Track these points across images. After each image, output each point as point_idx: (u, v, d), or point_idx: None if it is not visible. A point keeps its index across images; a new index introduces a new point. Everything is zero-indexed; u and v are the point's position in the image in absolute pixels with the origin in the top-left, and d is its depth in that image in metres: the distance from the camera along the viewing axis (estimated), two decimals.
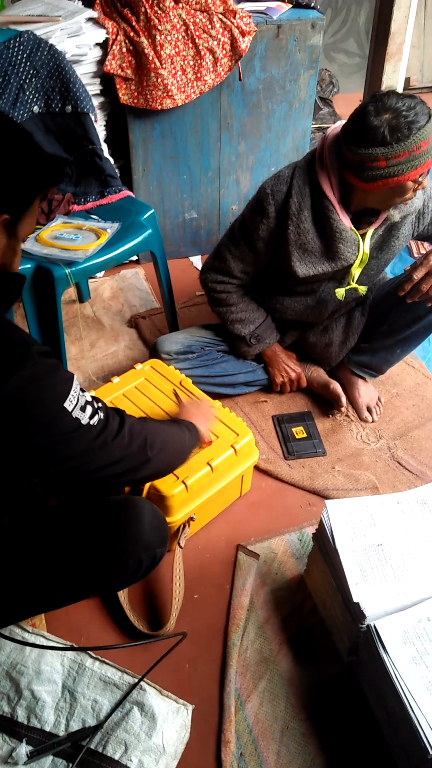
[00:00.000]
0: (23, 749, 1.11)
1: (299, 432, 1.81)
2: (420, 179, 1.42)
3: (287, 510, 1.62)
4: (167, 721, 1.16)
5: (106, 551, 1.13)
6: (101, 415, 0.99)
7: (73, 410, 0.93)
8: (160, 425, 1.21)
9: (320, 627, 1.35)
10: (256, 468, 1.70)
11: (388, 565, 1.18)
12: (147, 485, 1.42)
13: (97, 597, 1.42)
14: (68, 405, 0.92)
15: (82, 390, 0.97)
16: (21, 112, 1.81)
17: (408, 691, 1.02)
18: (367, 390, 1.91)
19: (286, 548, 1.51)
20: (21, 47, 1.78)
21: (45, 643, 1.24)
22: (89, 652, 1.24)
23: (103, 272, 2.46)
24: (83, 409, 0.95)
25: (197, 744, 1.19)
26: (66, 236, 1.70)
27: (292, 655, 1.31)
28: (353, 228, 1.55)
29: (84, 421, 0.95)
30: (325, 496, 1.64)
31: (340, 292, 1.65)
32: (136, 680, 1.20)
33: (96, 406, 0.99)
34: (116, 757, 1.11)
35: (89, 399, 0.98)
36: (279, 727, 1.21)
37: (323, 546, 1.28)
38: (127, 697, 1.18)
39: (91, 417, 0.97)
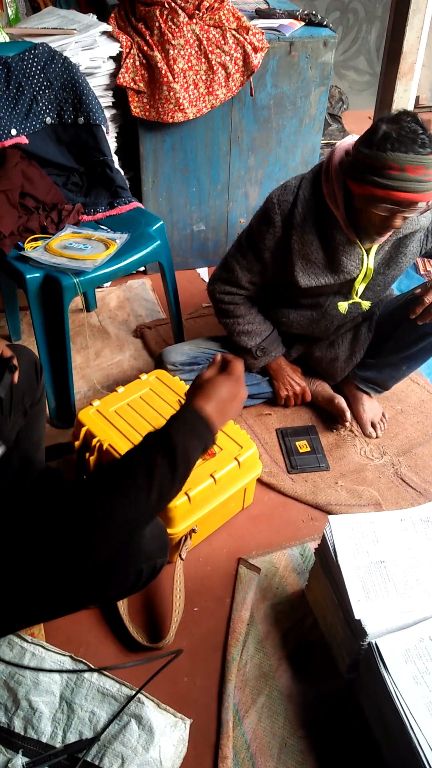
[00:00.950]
0: (19, 760, 1.11)
1: (303, 446, 1.81)
2: (407, 213, 1.39)
3: (289, 524, 1.62)
4: (165, 735, 1.15)
5: (106, 563, 1.12)
6: None
7: None
8: (123, 507, 0.86)
9: (320, 643, 1.34)
10: (259, 481, 1.69)
11: (391, 583, 1.17)
12: None
13: (97, 607, 1.42)
14: None
15: None
16: (34, 122, 1.83)
17: (408, 711, 1.01)
18: (371, 405, 1.90)
19: (287, 562, 1.50)
20: (36, 59, 1.80)
21: (43, 653, 1.23)
22: (87, 663, 1.23)
23: (110, 282, 2.47)
24: None
25: (194, 759, 1.18)
26: (75, 246, 1.71)
27: (292, 670, 1.30)
28: (357, 242, 1.55)
29: None
30: (327, 511, 1.64)
31: (343, 306, 1.66)
32: (134, 693, 1.19)
33: None
34: None
35: None
36: (277, 743, 1.20)
37: (325, 561, 1.27)
38: (124, 709, 1.17)
39: None
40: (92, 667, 1.22)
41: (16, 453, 1.25)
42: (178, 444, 0.89)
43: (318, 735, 1.21)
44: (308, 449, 1.80)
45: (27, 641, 1.24)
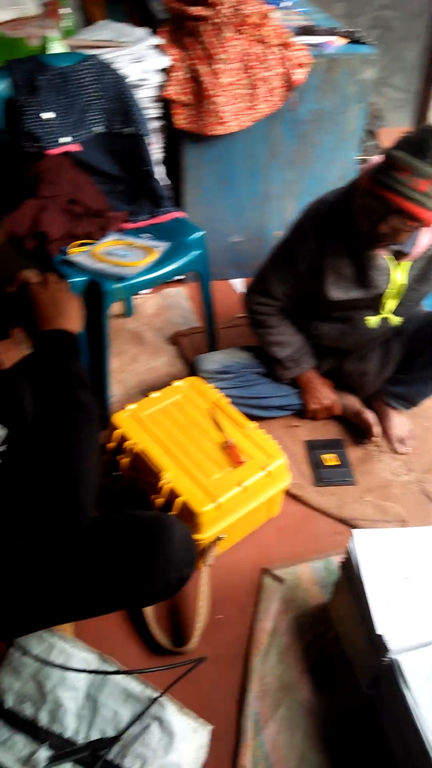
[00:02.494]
0: (43, 753, 1.13)
1: (330, 459, 1.82)
2: (394, 223, 1.41)
3: (315, 537, 1.63)
4: (185, 740, 1.16)
5: (134, 570, 1.14)
6: None
7: None
8: (88, 453, 0.93)
9: (342, 657, 1.34)
10: (286, 492, 1.71)
11: (414, 600, 1.18)
12: (178, 502, 1.44)
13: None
14: None
15: None
16: (84, 131, 1.89)
17: (429, 730, 1.01)
18: (400, 421, 1.91)
19: (311, 575, 1.51)
20: (88, 70, 1.85)
21: (71, 650, 1.26)
22: (114, 662, 1.26)
23: (148, 289, 2.52)
24: None
25: (212, 766, 1.19)
26: (118, 252, 1.75)
27: (313, 683, 1.31)
28: (389, 257, 1.57)
29: None
30: (353, 525, 1.64)
31: (373, 321, 1.67)
32: (157, 695, 1.21)
33: None
34: None
35: None
36: (295, 756, 1.20)
37: (349, 576, 1.28)
38: (147, 711, 1.19)
39: None
40: (118, 669, 1.25)
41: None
42: (74, 370, 0.97)
43: (337, 749, 1.22)
44: (335, 462, 1.81)
45: (56, 637, 1.27)
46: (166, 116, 2.17)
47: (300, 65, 2.13)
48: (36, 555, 1.13)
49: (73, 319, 1.04)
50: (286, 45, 2.12)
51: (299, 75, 2.13)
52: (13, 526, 0.87)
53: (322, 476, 1.77)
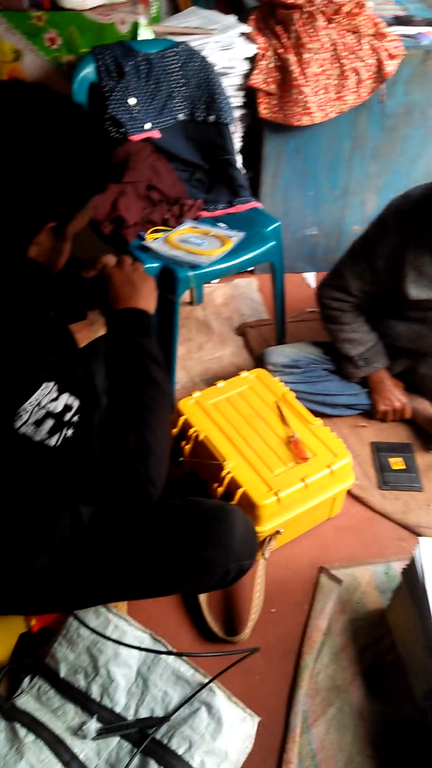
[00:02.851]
0: (93, 725, 1.16)
1: (397, 463, 1.77)
2: None
3: (376, 540, 1.59)
4: (233, 728, 1.16)
5: (195, 557, 1.14)
6: (68, 432, 0.81)
7: (22, 425, 0.80)
8: (161, 428, 0.92)
9: (397, 665, 1.31)
10: (348, 493, 1.67)
11: None
12: (239, 492, 1.44)
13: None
14: (17, 420, 0.79)
15: (57, 396, 0.81)
16: (167, 118, 1.90)
17: None
18: None
19: (370, 579, 1.48)
20: (176, 57, 1.86)
21: (125, 627, 1.28)
22: (165, 643, 1.27)
23: (218, 278, 2.52)
24: (38, 423, 0.80)
25: (258, 758, 1.19)
26: (193, 240, 1.75)
27: (365, 688, 1.28)
28: None
29: (37, 438, 0.80)
30: (416, 532, 1.59)
31: None
32: (207, 680, 1.21)
33: (65, 419, 0.81)
34: (180, 752, 1.12)
35: (55, 409, 0.81)
36: (344, 758, 1.18)
37: (412, 584, 1.24)
38: (196, 695, 1.20)
39: (51, 433, 0.80)
40: (171, 650, 1.26)
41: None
42: (147, 347, 0.97)
43: (386, 757, 1.19)
44: (402, 467, 1.76)
45: (112, 613, 1.29)
46: (248, 105, 2.16)
47: (392, 56, 2.06)
48: (102, 529, 1.15)
49: (147, 298, 1.04)
50: (379, 35, 2.06)
51: (391, 66, 2.06)
52: (82, 499, 0.88)
53: (387, 480, 1.72)
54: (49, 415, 0.80)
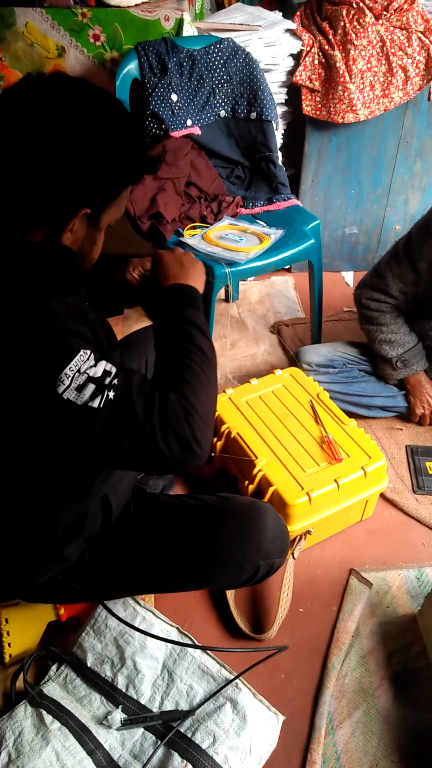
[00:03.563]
0: (118, 715, 1.17)
1: None
2: None
3: (408, 545, 1.56)
4: (257, 725, 1.16)
5: (226, 552, 1.14)
6: (110, 394, 0.82)
7: (65, 390, 0.81)
8: (205, 390, 0.91)
9: (427, 672, 1.28)
10: (382, 496, 1.65)
11: None
12: (270, 491, 1.43)
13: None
14: (59, 385, 0.81)
15: (95, 363, 0.83)
16: (208, 114, 1.90)
17: None
18: None
19: (401, 583, 1.45)
20: (219, 53, 1.86)
21: (153, 619, 1.28)
22: (192, 638, 1.27)
23: (255, 276, 2.51)
24: (80, 388, 0.81)
25: (282, 756, 1.18)
26: (231, 237, 1.75)
27: (393, 693, 1.26)
28: None
29: (80, 402, 0.81)
30: None
31: None
32: (233, 677, 1.21)
33: (106, 383, 0.83)
34: (204, 746, 1.13)
35: (95, 374, 0.82)
36: (368, 762, 1.17)
37: None
38: (221, 690, 1.20)
39: (93, 396, 0.81)
40: (197, 644, 1.26)
41: None
42: (194, 318, 0.97)
43: (411, 764, 1.16)
44: None
45: (140, 605, 1.30)
46: (291, 102, 2.14)
47: None
48: (133, 520, 1.16)
49: (196, 278, 1.06)
50: (429, 31, 2.02)
51: None
52: (127, 462, 0.88)
53: (422, 484, 1.69)
54: (90, 379, 0.81)
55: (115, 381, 0.83)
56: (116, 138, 0.88)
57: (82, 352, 0.82)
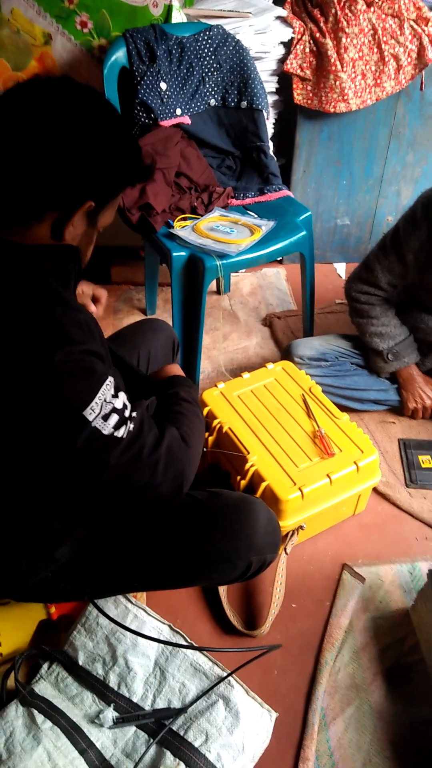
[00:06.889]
0: (110, 714, 1.16)
1: (426, 461, 1.73)
2: None
3: (401, 539, 1.56)
4: (250, 723, 1.15)
5: (217, 548, 1.13)
6: (131, 426, 0.89)
7: (95, 418, 0.84)
8: (196, 436, 1.06)
9: (420, 666, 1.28)
10: (374, 490, 1.64)
11: None
12: (262, 486, 1.42)
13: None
14: (91, 412, 0.83)
15: (115, 393, 0.87)
16: (198, 103, 1.87)
17: None
18: None
19: (394, 578, 1.45)
20: (209, 40, 1.83)
21: (144, 617, 1.28)
22: (184, 635, 1.26)
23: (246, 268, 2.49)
24: (105, 418, 0.85)
25: (275, 753, 1.18)
26: (221, 229, 1.73)
27: (386, 688, 1.26)
28: None
29: (105, 432, 0.85)
30: None
31: None
32: (225, 674, 1.20)
33: (126, 415, 0.88)
34: (196, 744, 1.12)
35: (118, 406, 0.87)
36: (361, 758, 1.17)
37: None
38: (214, 688, 1.19)
39: (116, 427, 0.86)
40: (191, 643, 1.25)
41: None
42: (190, 397, 1.16)
43: (405, 760, 1.16)
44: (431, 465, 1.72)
45: (131, 602, 1.29)
46: (282, 91, 2.11)
47: None
48: (123, 520, 1.15)
49: (177, 371, 1.27)
50: (422, 20, 1.99)
51: None
52: (120, 492, 0.94)
53: (415, 477, 1.69)
54: (114, 410, 0.86)
55: (134, 414, 0.91)
56: (121, 137, 0.93)
57: (108, 380, 0.86)
